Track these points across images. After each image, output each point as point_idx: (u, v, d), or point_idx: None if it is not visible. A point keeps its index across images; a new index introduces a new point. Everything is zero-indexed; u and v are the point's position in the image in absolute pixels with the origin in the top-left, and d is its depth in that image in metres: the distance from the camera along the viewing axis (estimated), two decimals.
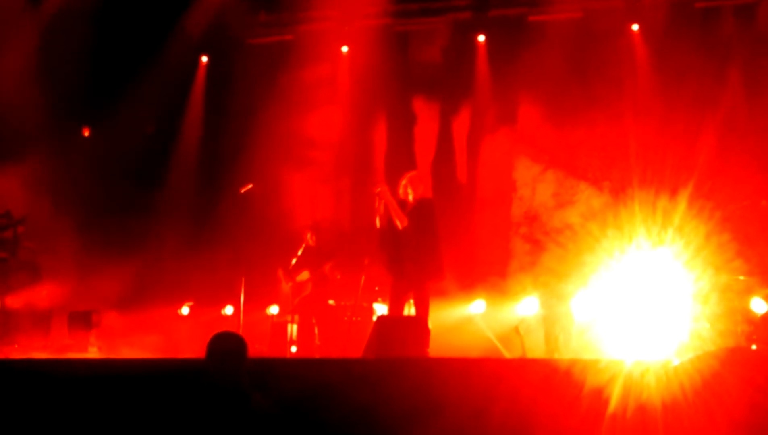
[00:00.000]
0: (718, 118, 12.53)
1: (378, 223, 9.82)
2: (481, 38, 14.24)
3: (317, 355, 11.57)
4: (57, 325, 12.82)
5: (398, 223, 9.73)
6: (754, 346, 9.46)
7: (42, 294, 12.85)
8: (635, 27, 13.49)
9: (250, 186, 11.60)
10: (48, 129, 13.59)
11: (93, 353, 12.36)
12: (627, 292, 10.34)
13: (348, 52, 14.74)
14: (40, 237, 13.08)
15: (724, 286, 10.10)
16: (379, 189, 9.87)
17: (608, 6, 13.59)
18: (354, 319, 11.15)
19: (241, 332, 8.05)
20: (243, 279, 11.14)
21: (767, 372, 6.47)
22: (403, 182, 9.93)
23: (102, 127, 14.22)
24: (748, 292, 10.24)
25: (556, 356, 10.86)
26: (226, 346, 5.60)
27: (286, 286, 12.51)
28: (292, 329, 12.22)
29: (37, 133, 13.45)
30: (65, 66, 13.75)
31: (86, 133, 15.10)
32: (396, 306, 9.81)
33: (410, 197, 9.90)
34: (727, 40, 13.17)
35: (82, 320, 12.77)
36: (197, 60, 15.32)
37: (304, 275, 12.36)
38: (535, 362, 9.37)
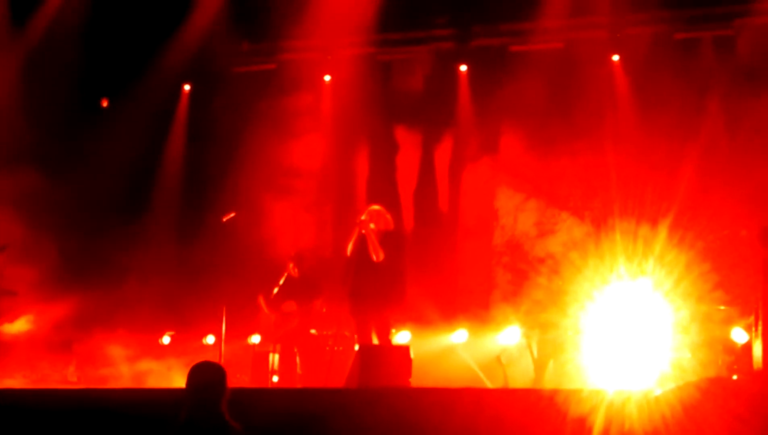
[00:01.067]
0: (698, 149, 12.60)
1: (349, 252, 9.96)
2: (463, 68, 14.31)
3: (299, 385, 11.51)
4: (37, 354, 12.74)
5: (374, 257, 9.82)
6: (734, 377, 9.50)
7: (22, 322, 12.77)
8: (616, 57, 13.58)
9: (233, 214, 11.58)
10: (31, 154, 13.56)
11: (73, 383, 12.29)
12: (609, 321, 10.37)
13: (330, 81, 14.77)
14: (21, 265, 13.01)
15: (705, 315, 10.14)
16: (364, 217, 9.96)
17: (589, 37, 13.68)
18: (336, 348, 11.13)
19: (222, 362, 8.01)
20: (224, 308, 11.09)
21: (747, 402, 6.49)
22: (363, 217, 10.01)
23: (85, 152, 14.18)
24: (729, 322, 10.29)
25: (543, 385, 10.87)
26: (207, 377, 5.57)
27: (268, 315, 12.46)
28: (274, 359, 12.17)
29: (20, 158, 13.42)
30: (49, 91, 13.75)
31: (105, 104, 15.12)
32: (364, 335, 9.90)
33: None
34: (706, 71, 13.27)
35: (63, 349, 12.70)
36: (180, 88, 15.32)
37: (291, 307, 12.32)
38: (517, 392, 9.37)
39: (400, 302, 10.10)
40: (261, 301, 12.41)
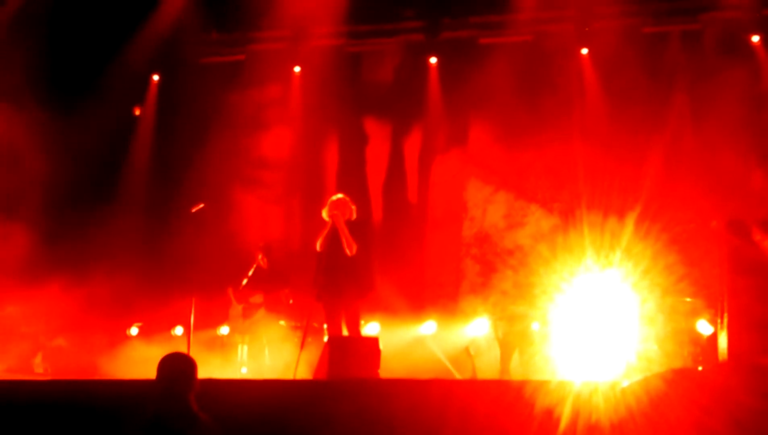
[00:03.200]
0: (664, 141, 12.71)
1: (319, 247, 9.98)
2: (433, 60, 14.33)
3: (268, 377, 11.49)
4: (2, 347, 12.63)
5: (348, 251, 9.87)
6: (700, 368, 9.58)
7: None
8: (584, 51, 13.66)
9: (201, 206, 11.52)
10: None
11: (39, 374, 12.20)
12: (576, 313, 10.42)
13: (300, 72, 14.74)
14: None
15: (671, 307, 10.23)
16: (335, 212, 9.96)
17: (558, 30, 13.74)
18: (304, 340, 11.12)
19: (190, 353, 7.98)
20: (193, 299, 11.05)
21: (713, 393, 6.56)
22: (335, 212, 10.05)
23: (51, 146, 14.05)
24: (694, 313, 10.39)
25: (510, 377, 10.92)
26: (177, 368, 5.56)
27: (236, 306, 12.46)
28: (243, 350, 12.16)
29: None
30: (14, 80, 13.61)
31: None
32: (334, 326, 9.93)
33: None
34: (673, 64, 13.38)
35: (29, 341, 12.61)
36: (149, 78, 15.22)
37: (258, 298, 12.33)
38: (485, 383, 9.41)
39: (369, 292, 10.15)
40: (230, 293, 12.40)
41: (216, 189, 13.74)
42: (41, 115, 13.93)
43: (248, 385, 8.96)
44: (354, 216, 10.20)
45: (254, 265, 12.39)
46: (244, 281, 12.31)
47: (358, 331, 10.03)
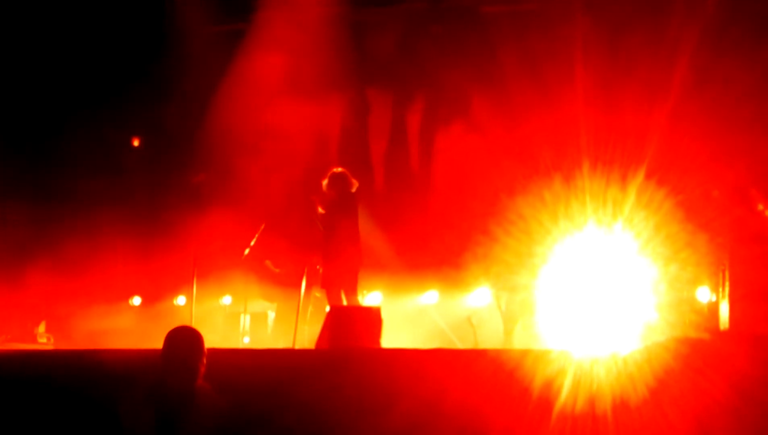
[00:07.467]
0: (668, 108, 12.65)
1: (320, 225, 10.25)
2: (436, 29, 14.26)
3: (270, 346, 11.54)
4: (4, 317, 12.68)
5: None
6: (701, 337, 9.59)
7: None
8: (587, 18, 13.58)
9: (202, 176, 11.53)
10: None
11: (43, 344, 12.26)
12: (577, 282, 10.43)
13: (302, 41, 14.67)
14: None
15: (673, 276, 10.22)
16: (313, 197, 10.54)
17: None
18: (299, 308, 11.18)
19: (192, 323, 8.00)
20: (195, 269, 11.07)
21: (714, 362, 6.57)
22: (324, 182, 10.23)
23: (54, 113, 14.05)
24: (696, 282, 10.39)
25: (512, 346, 10.94)
26: (186, 347, 5.52)
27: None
28: (245, 320, 12.18)
29: None
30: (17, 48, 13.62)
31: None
32: (333, 296, 9.99)
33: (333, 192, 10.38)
34: (677, 31, 13.28)
35: (32, 311, 12.65)
36: None
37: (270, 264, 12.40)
38: (487, 353, 9.42)
39: (355, 263, 10.24)
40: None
41: (217, 159, 13.72)
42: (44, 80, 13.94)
43: (250, 354, 8.99)
44: (347, 188, 10.29)
45: (257, 234, 12.39)
46: (246, 251, 12.30)
47: (355, 301, 10.15)
